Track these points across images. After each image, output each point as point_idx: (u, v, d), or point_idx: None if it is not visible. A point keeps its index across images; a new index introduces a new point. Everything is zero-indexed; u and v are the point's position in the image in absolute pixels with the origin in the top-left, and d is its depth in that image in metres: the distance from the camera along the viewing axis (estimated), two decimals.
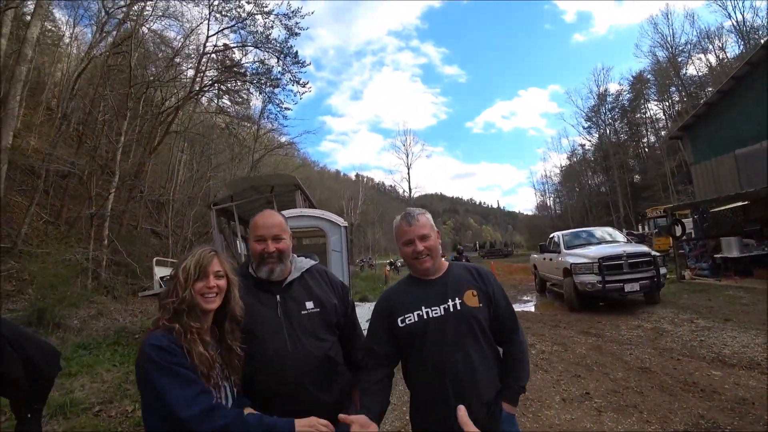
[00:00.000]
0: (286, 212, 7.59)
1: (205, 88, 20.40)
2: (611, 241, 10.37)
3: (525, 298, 12.77)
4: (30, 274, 11.27)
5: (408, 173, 58.30)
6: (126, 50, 15.95)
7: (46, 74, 20.74)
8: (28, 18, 15.59)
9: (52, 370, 3.23)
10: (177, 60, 19.35)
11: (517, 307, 10.79)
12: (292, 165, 40.72)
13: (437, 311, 1.70)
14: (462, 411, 1.08)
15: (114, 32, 17.23)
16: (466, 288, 1.75)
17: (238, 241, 9.92)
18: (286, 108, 29.96)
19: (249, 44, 19.80)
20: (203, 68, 19.59)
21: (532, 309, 10.78)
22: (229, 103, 25.35)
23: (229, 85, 22.34)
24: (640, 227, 26.63)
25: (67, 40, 23.36)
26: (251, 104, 27.22)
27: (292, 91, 24.50)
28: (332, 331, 1.81)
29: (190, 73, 19.90)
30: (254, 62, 21.35)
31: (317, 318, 1.76)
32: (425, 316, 1.70)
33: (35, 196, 13.62)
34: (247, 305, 1.65)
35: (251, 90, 23.25)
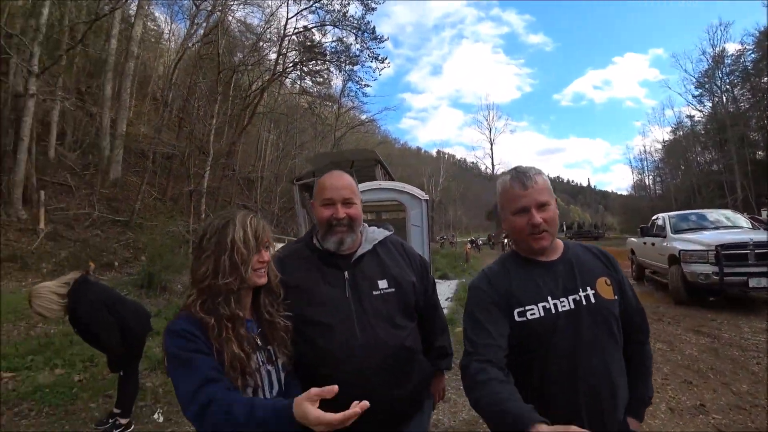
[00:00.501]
0: (365, 185, 7.50)
1: (288, 70, 21.11)
2: (731, 227, 8.75)
3: None
4: (142, 244, 12.79)
5: (491, 149, 55.73)
6: (214, 39, 16.98)
7: (150, 68, 23.05)
8: (132, 18, 17.28)
9: (143, 329, 3.55)
10: (260, 44, 20.21)
11: None
12: (373, 142, 41.14)
13: (565, 304, 1.26)
14: None
15: (203, 24, 18.47)
16: (597, 275, 1.32)
17: None
18: (365, 85, 30.13)
19: (327, 23, 19.95)
20: (285, 51, 20.24)
21: None
22: (311, 84, 26.18)
23: (310, 65, 22.92)
24: (764, 212, 22.55)
25: (166, 36, 25.67)
26: (332, 83, 27.74)
27: (371, 68, 24.55)
28: (410, 315, 1.52)
29: (273, 56, 20.70)
30: (333, 41, 21.59)
31: (392, 299, 1.46)
32: (553, 310, 1.26)
33: (145, 175, 15.31)
34: (310, 284, 1.41)
35: (331, 69, 23.69)
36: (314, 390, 0.99)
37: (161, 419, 3.66)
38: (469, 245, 30.54)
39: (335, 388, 1.00)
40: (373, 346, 1.37)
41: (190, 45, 19.11)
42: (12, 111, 12.19)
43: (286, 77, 22.73)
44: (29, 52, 11.11)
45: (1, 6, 12.24)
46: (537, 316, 1.27)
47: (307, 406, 0.97)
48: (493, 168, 53.84)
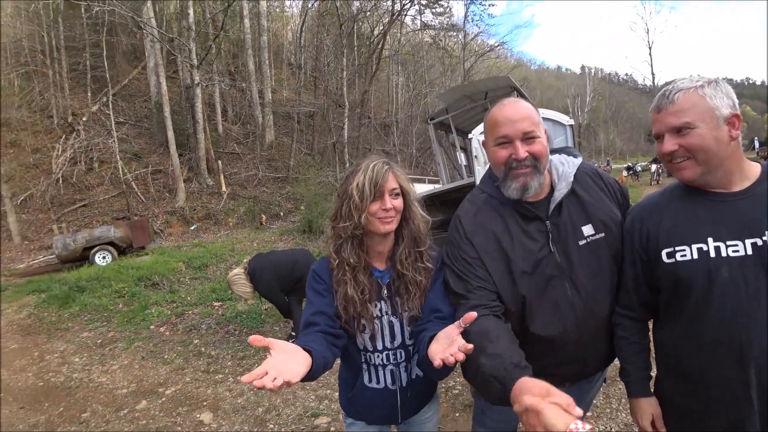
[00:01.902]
0: None
1: (406, 7, 20.35)
2: None
3: None
4: (300, 195, 14.58)
5: (649, 54, 45.72)
6: None
7: (280, 37, 24.82)
8: None
9: (307, 268, 4.14)
10: None
11: None
12: (506, 67, 37.97)
13: (737, 248, 0.99)
14: None
15: None
16: None
17: (458, 153, 9.99)
18: (490, 5, 27.40)
19: None
20: None
21: None
22: (431, 17, 24.92)
23: None
24: None
25: (288, 3, 27.09)
26: (453, 12, 25.93)
27: None
28: (618, 261, 1.23)
29: None
30: None
31: (603, 246, 1.19)
32: (713, 254, 1.01)
33: (294, 135, 17.05)
34: (508, 241, 1.18)
35: None
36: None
37: None
38: (625, 173, 26.26)
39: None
40: (587, 305, 1.18)
41: (309, 5, 19.83)
42: (186, 100, 14.67)
43: (405, 15, 22.04)
44: (188, 49, 13.01)
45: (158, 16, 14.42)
46: (688, 258, 1.03)
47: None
48: (653, 77, 44.09)
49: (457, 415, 2.72)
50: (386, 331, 1.26)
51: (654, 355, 1.23)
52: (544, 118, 4.61)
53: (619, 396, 2.76)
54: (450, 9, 25.13)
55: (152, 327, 5.24)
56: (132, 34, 18.28)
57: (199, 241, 11.14)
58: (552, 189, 1.21)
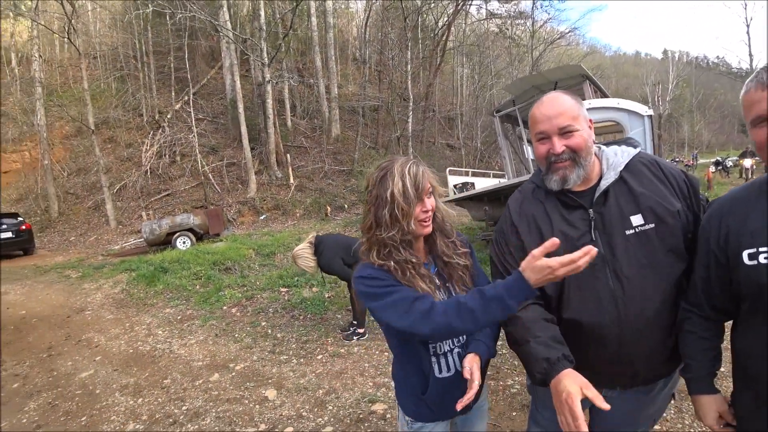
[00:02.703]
0: None
1: None
2: None
3: None
4: (364, 188, 14.86)
5: (747, 32, 40.12)
6: None
7: (346, 33, 25.29)
8: None
9: None
10: None
11: None
12: (578, 55, 35.62)
13: None
14: None
15: None
16: None
17: (524, 146, 9.60)
18: None
19: None
20: None
21: None
22: (497, 5, 24.03)
23: None
24: None
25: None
26: None
27: None
28: (680, 256, 1.16)
29: None
30: None
31: (653, 237, 1.15)
32: None
33: (359, 129, 17.38)
34: (550, 227, 1.21)
35: None
36: (535, 252, 0.98)
37: None
38: (712, 168, 23.45)
39: (555, 241, 0.97)
40: (633, 298, 1.14)
41: (374, 1, 19.99)
42: (258, 97, 15.48)
43: (470, 4, 21.46)
44: (259, 48, 13.69)
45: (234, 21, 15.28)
46: (766, 262, 0.93)
47: (534, 263, 0.97)
48: (750, 59, 38.45)
49: (513, 414, 2.64)
50: None
51: (732, 369, 1.09)
52: (620, 109, 4.25)
53: (692, 412, 2.50)
54: None
55: (225, 308, 5.63)
56: (210, 37, 19.61)
57: (268, 230, 11.76)
58: (600, 178, 1.21)
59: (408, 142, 16.73)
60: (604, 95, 9.83)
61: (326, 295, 5.65)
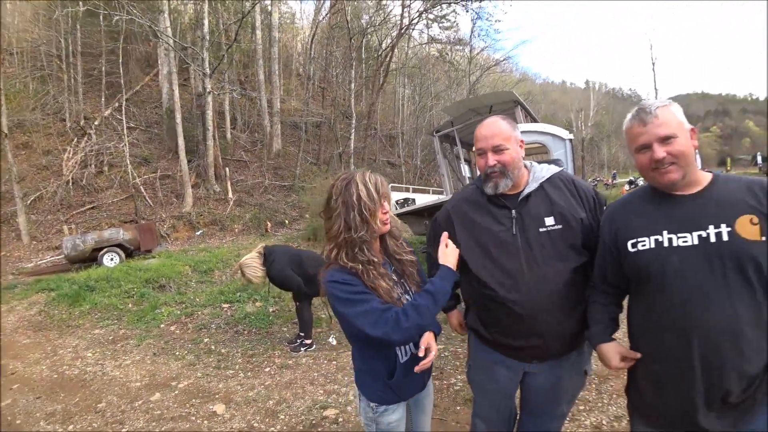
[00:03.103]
0: None
1: (414, 22, 20.76)
2: None
3: None
4: (305, 204, 14.76)
5: (653, 69, 46.39)
6: (341, 8, 17.64)
7: (291, 47, 25.33)
8: (269, 7, 19.05)
9: (317, 266, 4.30)
10: (384, 2, 20.24)
11: None
12: (511, 82, 38.27)
13: (687, 239, 1.18)
14: None
15: None
16: (741, 211, 1.16)
17: (462, 165, 10.19)
18: (496, 21, 28.04)
19: None
20: (408, 2, 19.88)
21: None
22: (439, 30, 25.38)
23: (435, 12, 22.14)
24: None
25: (298, 15, 27.68)
26: (460, 27, 26.45)
27: (500, 1, 22.57)
28: (579, 252, 1.48)
29: (398, 11, 20.58)
30: None
31: (559, 236, 1.47)
32: (666, 244, 1.21)
33: (301, 144, 17.32)
34: (482, 223, 1.53)
35: (458, 11, 22.47)
36: (441, 247, 1.45)
37: (335, 342, 4.42)
38: (627, 186, 26.40)
39: (446, 234, 1.48)
40: (540, 281, 1.43)
41: (320, 18, 20.30)
42: (197, 107, 14.98)
43: (413, 29, 22.48)
44: (201, 58, 13.34)
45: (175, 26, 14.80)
46: (646, 247, 1.24)
47: (446, 251, 1.41)
48: (656, 92, 44.41)
49: (458, 408, 2.87)
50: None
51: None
52: (545, 133, 4.84)
53: (611, 392, 2.91)
54: (457, 24, 25.57)
55: (162, 326, 5.39)
56: (147, 42, 18.71)
57: (205, 246, 11.30)
58: (526, 186, 1.54)
59: (350, 159, 16.96)
60: (534, 119, 10.76)
61: (270, 310, 5.61)
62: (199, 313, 5.71)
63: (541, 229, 1.48)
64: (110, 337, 5.18)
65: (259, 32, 18.12)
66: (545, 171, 1.58)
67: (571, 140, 6.08)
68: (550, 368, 1.53)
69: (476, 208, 1.58)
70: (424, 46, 26.79)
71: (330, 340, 4.50)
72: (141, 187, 13.55)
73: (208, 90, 13.20)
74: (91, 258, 9.59)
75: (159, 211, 13.15)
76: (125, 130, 14.50)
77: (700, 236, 1.17)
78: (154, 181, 14.12)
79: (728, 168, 49.15)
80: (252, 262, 3.96)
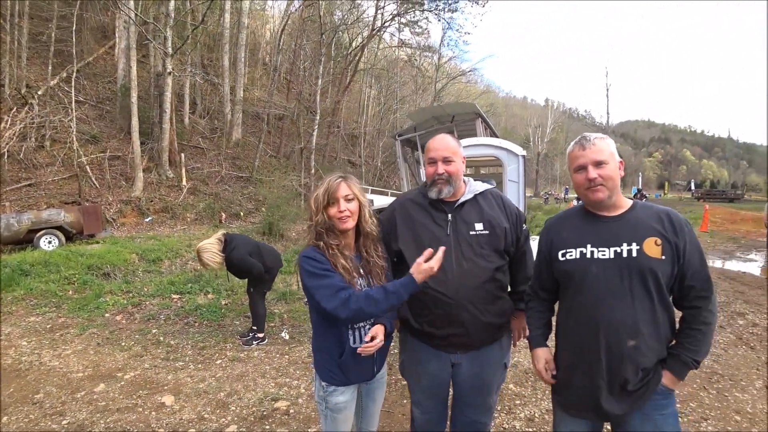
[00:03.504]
0: (464, 141, 7.63)
1: (386, 24, 20.93)
2: None
3: (748, 256, 9.96)
4: (262, 196, 14.53)
5: (606, 95, 49.48)
6: (315, 2, 17.49)
7: (259, 36, 24.70)
8: None
9: (277, 266, 4.38)
10: (358, 1, 20.28)
11: (735, 265, 8.63)
12: (475, 92, 39.37)
13: (605, 253, 1.44)
14: None
15: None
16: (648, 234, 1.42)
17: (421, 169, 10.45)
18: (466, 32, 28.93)
19: None
20: (383, 4, 20.04)
21: (755, 271, 8.34)
22: (409, 35, 25.74)
23: (408, 17, 22.46)
24: None
25: (270, 3, 27.05)
26: (430, 34, 26.98)
27: (471, 14, 23.27)
28: (500, 255, 1.78)
29: (371, 11, 20.69)
30: None
31: (485, 240, 1.75)
32: (588, 256, 1.47)
33: (261, 135, 16.99)
34: (422, 222, 1.78)
35: (429, 19, 22.95)
36: (418, 260, 1.53)
37: (287, 336, 4.49)
38: (575, 201, 28.12)
39: (429, 251, 1.53)
40: (466, 275, 1.70)
41: (292, 10, 19.98)
42: (156, 88, 14.33)
43: (385, 31, 22.66)
44: (163, 36, 12.79)
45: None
46: (573, 257, 1.50)
47: (420, 268, 1.51)
48: (607, 116, 47.63)
49: (404, 402, 3.07)
50: None
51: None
52: (501, 148, 5.24)
53: (544, 389, 3.22)
54: (428, 31, 26.12)
55: (107, 315, 5.21)
56: (105, 11, 17.62)
57: (154, 233, 10.87)
58: (462, 196, 1.81)
59: (311, 154, 16.83)
60: (493, 132, 11.26)
61: (223, 302, 5.58)
62: (147, 303, 5.57)
63: (471, 233, 1.75)
64: (48, 326, 4.94)
65: (227, 16, 17.57)
66: (479, 186, 1.87)
67: (524, 156, 6.48)
68: (473, 359, 1.79)
69: (418, 209, 1.82)
70: (394, 49, 27.10)
71: (282, 334, 4.56)
72: (87, 167, 12.77)
73: (168, 70, 12.68)
74: (26, 239, 8.97)
75: (106, 194, 12.47)
76: (73, 104, 13.59)
77: (615, 251, 1.44)
78: (102, 162, 13.35)
79: (666, 191, 53.74)
80: (211, 247, 3.94)
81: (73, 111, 13.43)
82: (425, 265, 1.50)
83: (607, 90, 47.13)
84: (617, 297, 1.41)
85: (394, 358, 2.31)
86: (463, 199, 1.80)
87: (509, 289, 1.89)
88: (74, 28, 14.29)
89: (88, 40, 17.53)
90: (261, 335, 4.32)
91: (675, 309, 1.49)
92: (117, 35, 16.16)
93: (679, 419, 2.73)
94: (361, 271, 1.67)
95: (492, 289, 1.75)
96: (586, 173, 1.47)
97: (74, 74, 14.44)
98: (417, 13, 22.06)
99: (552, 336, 1.69)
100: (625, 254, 1.42)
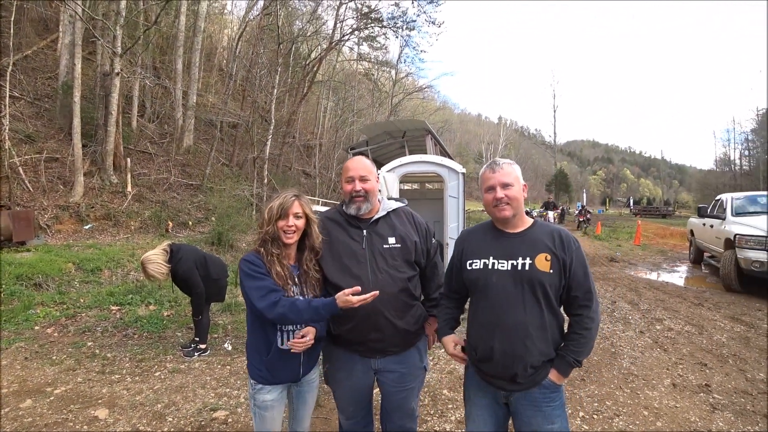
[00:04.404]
0: (409, 158, 7.99)
1: (345, 38, 21.31)
2: None
3: (673, 267, 10.97)
4: (212, 206, 14.20)
5: (554, 115, 52.50)
6: (274, 11, 17.53)
7: (216, 41, 24.26)
8: None
9: (224, 278, 4.41)
10: (318, 13, 20.50)
11: (660, 276, 9.52)
12: (431, 108, 40.47)
13: (504, 265, 1.68)
14: None
15: None
16: (541, 250, 1.67)
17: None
18: (422, 51, 30.01)
19: None
20: (342, 18, 20.41)
21: (677, 281, 9.13)
22: (368, 50, 26.29)
23: (367, 31, 22.98)
24: None
25: (228, 8, 26.68)
26: (389, 49, 27.63)
27: (428, 33, 24.13)
28: (411, 267, 1.97)
29: (331, 23, 20.99)
30: (390, 5, 21.45)
31: (397, 253, 1.93)
32: (490, 267, 1.70)
33: (214, 143, 16.63)
34: (339, 238, 1.92)
35: (388, 35, 23.57)
36: (345, 290, 1.69)
37: (230, 348, 4.52)
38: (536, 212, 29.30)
39: (358, 288, 1.68)
40: (381, 284, 1.85)
41: (251, 17, 19.86)
42: (101, 88, 13.71)
43: (344, 44, 23.01)
44: (112, 35, 12.34)
45: None
46: (478, 267, 1.75)
47: (344, 298, 1.67)
48: (554, 136, 50.67)
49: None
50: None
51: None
52: (443, 165, 5.71)
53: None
54: (386, 47, 26.82)
55: (37, 327, 4.98)
56: (48, 3, 16.66)
57: (94, 242, 10.34)
58: (376, 213, 1.98)
59: (264, 164, 16.66)
60: (443, 148, 11.77)
61: (165, 314, 5.49)
62: (83, 315, 5.37)
63: (384, 246, 1.93)
64: None
65: (183, 18, 17.16)
66: (392, 204, 2.08)
67: (463, 173, 6.95)
68: (392, 363, 1.98)
69: (336, 225, 1.98)
70: (352, 62, 27.52)
71: (225, 345, 4.59)
72: (20, 168, 11.95)
73: (116, 71, 12.20)
74: None
75: (40, 198, 11.70)
76: (7, 99, 12.72)
77: (512, 264, 1.68)
78: (38, 164, 12.53)
79: (607, 207, 57.76)
80: (157, 258, 3.91)
81: (7, 107, 12.57)
82: (349, 297, 1.67)
83: (554, 111, 50.00)
84: (512, 303, 1.66)
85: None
86: (377, 216, 1.98)
87: (422, 298, 2.12)
88: (12, 18, 13.46)
89: (28, 32, 16.49)
90: (203, 346, 4.32)
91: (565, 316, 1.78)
92: (61, 29, 15.31)
93: (594, 417, 3.12)
94: (297, 279, 1.85)
95: (404, 297, 1.94)
96: (494, 193, 1.71)
97: (9, 67, 13.55)
98: (376, 28, 22.69)
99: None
100: (519, 267, 1.67)
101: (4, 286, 6.21)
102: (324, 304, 1.71)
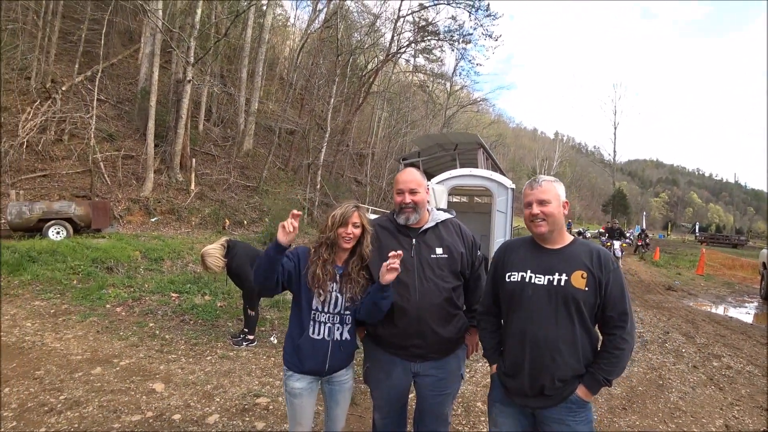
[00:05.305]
0: (458, 171, 8.00)
1: (402, 50, 21.73)
2: None
3: (740, 301, 9.99)
4: (267, 207, 14.90)
5: (614, 133, 49.94)
6: (334, 24, 18.24)
7: (278, 51, 25.57)
8: (264, 8, 19.38)
9: None
10: (376, 25, 21.06)
11: (725, 311, 8.78)
12: (485, 121, 39.98)
13: (540, 280, 1.71)
14: None
15: (324, 9, 19.86)
16: (577, 267, 1.68)
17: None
18: (478, 64, 29.91)
19: (442, 1, 19.95)
20: (399, 31, 20.82)
21: (743, 317, 8.34)
22: (424, 62, 26.59)
23: (423, 44, 23.29)
24: None
25: (291, 21, 28.05)
26: (444, 62, 27.79)
27: (483, 47, 24.03)
28: (457, 277, 2.02)
29: (388, 36, 21.46)
30: (447, 19, 21.62)
31: (444, 263, 1.98)
32: (527, 280, 1.73)
33: (272, 148, 17.49)
34: (389, 244, 1.97)
35: (444, 48, 23.76)
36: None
37: (275, 341, 4.74)
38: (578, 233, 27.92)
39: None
40: (426, 292, 1.93)
41: (312, 30, 20.77)
42: (174, 94, 14.91)
43: (400, 57, 23.43)
44: (187, 46, 13.41)
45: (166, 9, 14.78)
46: (515, 280, 1.78)
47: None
48: (614, 154, 48.03)
49: None
50: (332, 301, 1.93)
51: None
52: (492, 180, 5.69)
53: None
54: (442, 59, 26.93)
55: (108, 306, 5.48)
56: (133, 18, 18.41)
57: (159, 234, 11.21)
58: (426, 223, 2.06)
59: (318, 170, 17.26)
60: (494, 162, 11.61)
61: (219, 304, 5.84)
62: (147, 298, 5.84)
63: (432, 256, 2.00)
64: (51, 311, 5.22)
65: (249, 30, 18.34)
66: (441, 216, 2.13)
67: (512, 189, 6.84)
68: (431, 368, 2.01)
69: (386, 232, 2.06)
70: (407, 74, 27.92)
71: (272, 339, 4.81)
72: (101, 164, 13.23)
73: (188, 78, 13.24)
74: (36, 228, 9.31)
75: (116, 191, 12.87)
76: (95, 102, 14.18)
77: (548, 279, 1.70)
78: (116, 160, 13.81)
79: (669, 232, 53.74)
80: (215, 252, 4.21)
81: (94, 109, 14.00)
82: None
83: (615, 128, 47.49)
84: (544, 317, 1.68)
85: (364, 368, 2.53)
86: (426, 227, 2.05)
87: (464, 308, 2.13)
88: (104, 30, 15.02)
89: (115, 42, 18.30)
90: (251, 338, 4.57)
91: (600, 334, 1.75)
92: (143, 41, 16.88)
93: None
94: (338, 278, 1.95)
95: (448, 306, 1.99)
96: (531, 209, 1.74)
97: (99, 74, 15.11)
98: (432, 41, 22.93)
99: None
100: (555, 282, 1.69)
101: (82, 266, 6.91)
102: (271, 245, 1.83)
